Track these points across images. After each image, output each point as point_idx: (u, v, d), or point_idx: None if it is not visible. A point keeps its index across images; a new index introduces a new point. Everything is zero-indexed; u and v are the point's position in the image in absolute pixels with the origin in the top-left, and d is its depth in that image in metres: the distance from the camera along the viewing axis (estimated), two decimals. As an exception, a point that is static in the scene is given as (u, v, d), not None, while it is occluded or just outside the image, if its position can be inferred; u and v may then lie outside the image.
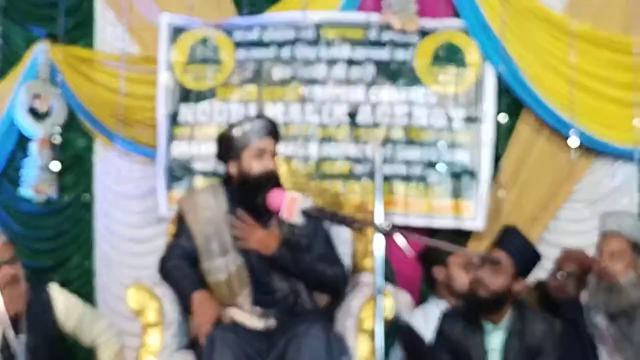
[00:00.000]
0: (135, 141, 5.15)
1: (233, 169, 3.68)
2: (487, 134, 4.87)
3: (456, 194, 4.84)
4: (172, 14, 5.08)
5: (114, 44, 5.25)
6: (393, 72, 4.92)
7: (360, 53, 4.93)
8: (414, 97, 4.90)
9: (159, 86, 5.02)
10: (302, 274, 3.62)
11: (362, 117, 4.91)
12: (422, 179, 4.86)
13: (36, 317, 3.72)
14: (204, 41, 5.04)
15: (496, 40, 4.84)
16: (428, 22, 4.92)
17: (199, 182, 4.93)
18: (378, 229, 2.88)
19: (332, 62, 4.95)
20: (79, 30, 5.30)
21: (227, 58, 5.03)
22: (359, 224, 3.12)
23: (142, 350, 3.61)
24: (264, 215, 3.57)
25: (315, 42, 4.95)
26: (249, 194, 3.59)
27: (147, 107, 5.08)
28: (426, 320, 4.08)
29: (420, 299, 4.65)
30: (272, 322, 3.55)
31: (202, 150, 4.96)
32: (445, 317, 3.73)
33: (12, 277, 3.66)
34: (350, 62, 4.93)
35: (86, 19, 5.30)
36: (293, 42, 4.96)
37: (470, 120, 4.88)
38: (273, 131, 3.72)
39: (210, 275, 3.63)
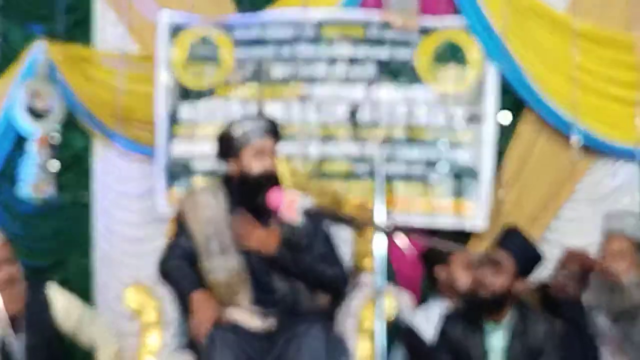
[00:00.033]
0: (134, 140, 5.15)
1: (233, 168, 3.68)
2: (489, 133, 4.86)
3: (457, 193, 4.84)
4: (172, 12, 5.08)
5: (113, 43, 5.25)
6: (394, 71, 4.91)
7: (360, 51, 4.92)
8: (414, 96, 4.89)
9: (158, 85, 5.01)
10: (302, 274, 3.62)
11: (363, 116, 4.91)
12: (422, 178, 4.86)
13: (35, 316, 3.72)
14: (204, 40, 5.03)
15: (498, 39, 4.83)
16: (429, 21, 4.92)
17: (199, 181, 4.92)
18: (378, 229, 2.87)
19: (332, 61, 4.94)
20: (78, 28, 5.30)
21: (227, 57, 5.02)
22: (360, 224, 3.12)
23: (141, 350, 3.63)
24: (264, 214, 3.57)
25: (315, 40, 4.95)
26: (249, 193, 3.59)
27: (147, 106, 5.07)
28: (428, 321, 4.08)
29: (421, 299, 4.64)
30: (271, 322, 3.54)
31: (201, 149, 4.95)
32: (446, 318, 3.74)
33: (10, 277, 3.66)
34: (351, 61, 4.93)
35: (85, 17, 5.30)
36: (293, 41, 4.96)
37: (472, 119, 4.87)
38: (273, 130, 3.71)
39: (210, 274, 3.62)
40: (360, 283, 3.84)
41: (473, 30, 4.88)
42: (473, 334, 3.62)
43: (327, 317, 3.66)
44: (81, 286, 5.14)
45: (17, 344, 3.50)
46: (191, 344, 3.61)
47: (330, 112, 4.92)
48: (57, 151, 5.21)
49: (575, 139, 4.81)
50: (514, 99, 4.93)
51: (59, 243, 5.25)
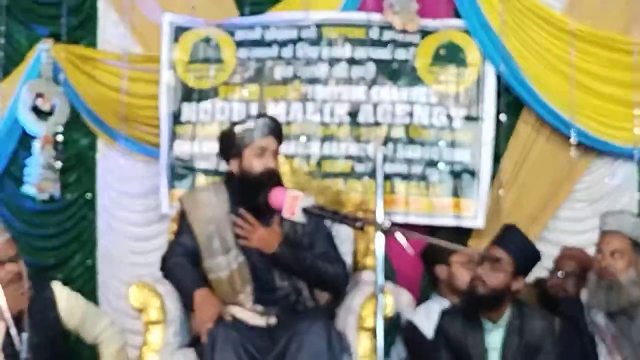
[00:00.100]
0: (137, 140, 5.17)
1: (234, 167, 3.69)
2: (488, 133, 4.88)
3: (456, 193, 4.86)
4: (175, 13, 5.09)
5: (117, 43, 5.26)
6: (394, 72, 4.93)
7: (361, 52, 4.94)
8: (414, 97, 4.91)
9: (161, 85, 5.03)
10: (304, 272, 3.63)
11: (363, 116, 4.93)
12: (422, 177, 4.88)
13: (39, 314, 3.70)
14: (206, 40, 5.05)
15: (497, 39, 4.85)
16: (429, 22, 4.93)
17: (201, 180, 4.94)
18: (379, 228, 2.88)
19: (333, 62, 4.96)
20: (81, 29, 5.31)
21: (229, 57, 5.04)
22: (360, 223, 3.12)
23: (144, 348, 3.60)
24: (265, 213, 3.56)
25: (316, 41, 4.97)
26: (250, 192, 3.59)
27: (150, 106, 5.09)
28: (428, 318, 4.08)
29: (420, 297, 4.66)
30: (273, 320, 3.56)
31: (204, 148, 4.97)
32: (445, 315, 3.73)
33: (14, 275, 3.64)
34: (352, 62, 4.95)
35: (89, 18, 5.31)
36: (295, 42, 4.98)
37: (471, 119, 4.89)
38: (275, 130, 3.71)
39: (212, 273, 3.64)
40: (360, 281, 3.86)
41: (472, 32, 4.90)
42: (472, 332, 3.62)
43: (328, 314, 3.66)
44: (84, 284, 5.17)
45: (21, 343, 3.50)
46: (194, 342, 3.62)
47: (331, 112, 4.94)
48: (61, 151, 5.22)
49: (573, 139, 4.84)
50: (512, 99, 4.95)
51: (62, 241, 5.27)
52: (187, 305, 3.61)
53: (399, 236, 2.95)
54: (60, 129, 5.23)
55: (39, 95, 5.18)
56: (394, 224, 2.92)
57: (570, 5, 4.93)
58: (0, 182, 5.26)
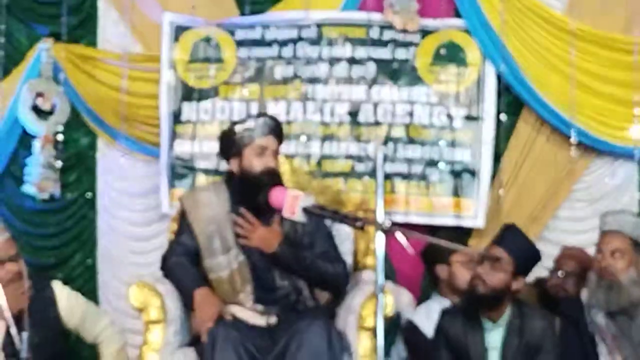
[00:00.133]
0: (137, 139, 5.17)
1: (235, 166, 3.69)
2: (488, 132, 4.89)
3: (457, 192, 4.87)
4: (175, 13, 5.10)
5: (117, 43, 5.27)
6: (394, 71, 4.94)
7: (361, 52, 4.95)
8: (415, 96, 4.92)
9: (161, 84, 5.04)
10: (304, 272, 3.63)
11: (364, 115, 4.93)
12: (423, 177, 4.89)
13: (39, 314, 3.70)
14: (207, 40, 5.06)
15: (497, 39, 4.86)
16: (429, 22, 4.94)
17: (201, 180, 4.95)
18: (379, 227, 2.88)
19: (333, 61, 4.97)
20: (82, 28, 5.32)
21: (230, 57, 5.05)
22: (361, 222, 3.12)
23: (144, 347, 3.61)
24: (266, 213, 3.56)
25: (317, 41, 4.97)
26: (250, 191, 3.59)
27: (150, 105, 5.10)
28: (429, 318, 4.08)
29: (421, 297, 4.66)
30: (273, 320, 3.56)
31: (204, 148, 4.98)
32: (445, 315, 3.73)
33: (15, 274, 3.64)
34: (352, 61, 4.96)
35: (89, 17, 5.32)
36: (295, 41, 4.98)
37: (471, 119, 4.90)
38: (275, 130, 3.71)
39: (212, 272, 3.64)
40: (361, 280, 3.86)
41: (472, 31, 4.90)
42: (472, 331, 3.62)
43: (329, 314, 3.67)
44: (85, 284, 5.18)
45: (21, 342, 3.50)
46: (194, 341, 3.63)
47: (332, 112, 4.95)
48: (61, 150, 5.23)
49: (573, 139, 4.84)
50: (512, 98, 4.96)
51: (62, 241, 5.27)
52: (188, 304, 3.61)
53: (399, 236, 2.95)
54: (61, 128, 5.24)
55: (39, 94, 5.19)
56: (394, 224, 2.91)
57: (570, 5, 4.94)
58: (1, 181, 5.26)
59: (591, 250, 4.03)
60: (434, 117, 4.91)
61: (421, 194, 4.88)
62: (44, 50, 5.21)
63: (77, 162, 5.30)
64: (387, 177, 4.82)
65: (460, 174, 4.87)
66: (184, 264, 3.67)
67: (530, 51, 4.90)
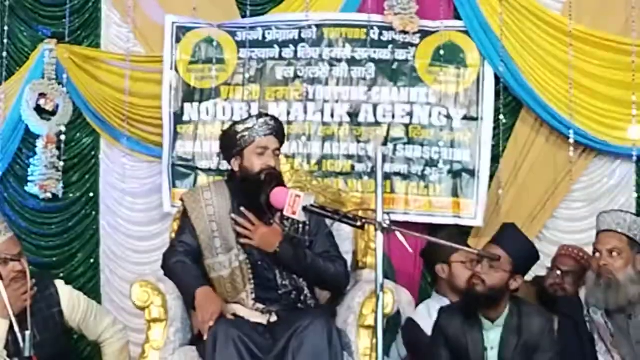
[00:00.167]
0: (140, 139, 5.19)
1: (236, 166, 3.68)
2: (487, 133, 4.90)
3: (456, 192, 4.88)
4: (177, 14, 5.11)
5: (119, 44, 5.29)
6: (394, 72, 4.95)
7: (361, 53, 4.97)
8: (414, 97, 4.93)
9: (163, 85, 5.06)
10: (305, 271, 3.63)
11: (364, 116, 4.95)
12: (422, 177, 4.90)
13: (42, 313, 3.70)
14: (208, 41, 5.08)
15: (496, 40, 4.87)
16: (429, 23, 4.95)
17: (203, 179, 4.95)
18: (379, 227, 2.89)
19: (334, 62, 4.99)
20: (84, 30, 5.34)
21: (231, 57, 5.06)
22: (361, 222, 3.13)
23: (146, 345, 3.59)
24: (266, 212, 3.55)
25: (317, 42, 4.99)
26: (251, 191, 3.58)
27: (152, 106, 5.12)
28: (429, 317, 4.07)
29: (420, 296, 4.67)
30: (274, 319, 3.55)
31: (205, 148, 4.99)
32: (443, 313, 3.73)
33: (18, 273, 3.64)
34: (352, 62, 4.97)
35: (92, 19, 5.35)
36: (295, 42, 5.00)
37: (470, 119, 4.91)
38: (276, 130, 3.70)
39: (214, 271, 3.64)
40: (361, 280, 3.87)
41: (471, 33, 4.92)
42: (470, 330, 3.61)
43: (329, 313, 3.65)
44: (87, 283, 5.20)
45: (24, 341, 3.50)
46: (195, 340, 3.64)
47: (332, 112, 4.96)
48: (64, 150, 5.25)
49: (572, 139, 4.85)
50: (511, 99, 4.97)
51: (65, 240, 5.29)
52: (189, 303, 3.61)
53: (399, 235, 2.96)
54: (63, 128, 5.26)
55: (42, 95, 5.21)
56: (394, 223, 2.93)
57: (568, 6, 4.94)
58: (4, 181, 5.28)
59: (589, 250, 4.04)
60: (433, 117, 4.92)
61: (421, 194, 4.90)
62: (47, 51, 5.23)
63: (80, 162, 5.32)
64: (387, 177, 4.84)
65: (460, 174, 4.88)
66: (185, 264, 3.65)
67: (529, 52, 4.91)
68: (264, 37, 5.02)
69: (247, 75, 5.04)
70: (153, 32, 5.18)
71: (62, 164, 5.23)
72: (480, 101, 4.90)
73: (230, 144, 3.69)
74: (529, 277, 4.07)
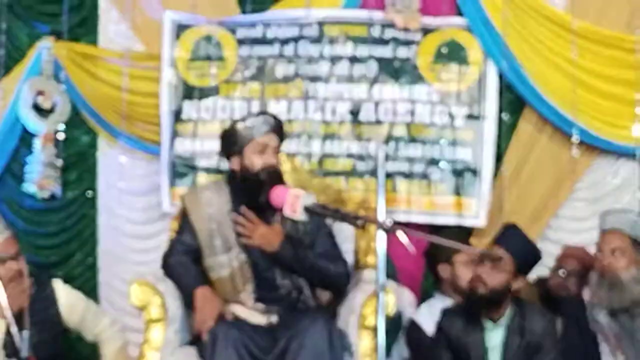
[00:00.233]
0: (138, 138, 5.17)
1: (235, 164, 3.68)
2: (489, 131, 4.89)
3: (458, 191, 4.86)
4: (176, 11, 5.10)
5: (118, 41, 5.28)
6: (396, 70, 4.93)
7: (363, 50, 4.95)
8: (416, 95, 4.92)
9: (162, 83, 5.04)
10: (305, 271, 3.63)
11: (365, 114, 4.93)
12: (424, 176, 4.88)
13: (40, 312, 3.71)
14: (208, 38, 5.06)
15: (499, 38, 4.85)
16: (431, 20, 4.94)
17: (202, 178, 4.95)
18: (380, 226, 2.88)
19: (335, 60, 4.97)
20: (82, 27, 5.32)
21: (230, 55, 5.05)
22: (362, 221, 3.12)
23: (144, 346, 3.61)
24: (267, 211, 3.58)
25: (318, 39, 4.97)
26: (251, 190, 3.59)
27: (151, 104, 5.10)
28: (432, 317, 4.08)
29: (422, 296, 4.66)
30: (274, 319, 3.56)
31: (205, 147, 4.98)
32: (445, 314, 3.73)
33: (16, 273, 3.65)
34: (353, 60, 4.96)
35: (90, 15, 5.33)
36: (296, 40, 4.98)
37: (473, 117, 4.89)
38: (276, 128, 3.71)
39: (213, 271, 3.64)
40: (362, 279, 3.86)
41: (474, 30, 4.90)
42: (472, 331, 3.61)
43: (330, 313, 3.67)
44: (85, 282, 5.18)
45: (22, 340, 3.50)
46: (194, 340, 3.63)
47: (333, 111, 4.95)
48: (62, 148, 5.23)
49: (575, 138, 4.84)
50: (514, 97, 4.96)
51: (63, 239, 5.27)
52: (188, 303, 3.61)
53: (401, 235, 2.95)
54: (61, 126, 5.25)
55: (40, 92, 5.19)
56: (395, 223, 2.91)
57: (572, 3, 4.92)
58: (1, 179, 5.27)
59: (593, 249, 4.03)
60: (435, 115, 4.90)
61: (422, 193, 4.88)
62: (45, 48, 5.21)
63: (78, 160, 5.30)
64: (389, 176, 4.82)
65: (462, 173, 4.87)
66: (184, 263, 3.67)
67: (532, 50, 4.89)
68: (264, 34, 5.01)
69: (247, 73, 5.02)
70: (152, 29, 5.16)
71: (60, 162, 5.20)
72: (483, 99, 4.88)
73: (230, 142, 3.69)
74: (532, 277, 4.05)
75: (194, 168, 5.00)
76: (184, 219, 3.78)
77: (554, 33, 4.90)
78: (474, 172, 4.86)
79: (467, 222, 4.84)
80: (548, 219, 4.93)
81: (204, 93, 5.04)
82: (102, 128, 5.24)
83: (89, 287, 5.10)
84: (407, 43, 4.93)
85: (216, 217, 3.67)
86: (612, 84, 4.86)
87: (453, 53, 4.92)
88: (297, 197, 3.22)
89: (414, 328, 4.16)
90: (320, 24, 4.97)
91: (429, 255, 4.40)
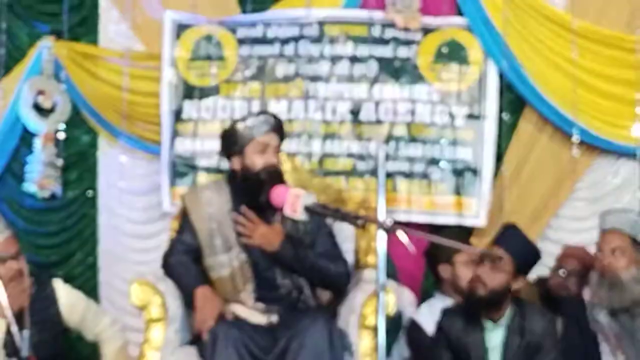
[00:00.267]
0: (139, 137, 5.17)
1: (236, 164, 3.68)
2: (490, 131, 4.88)
3: (458, 191, 4.86)
4: (176, 11, 5.10)
5: (118, 41, 5.28)
6: (396, 70, 4.93)
7: (363, 50, 4.95)
8: (416, 95, 4.91)
9: (162, 83, 5.04)
10: (305, 271, 3.63)
11: (365, 114, 4.93)
12: (424, 176, 4.88)
13: (40, 312, 3.71)
14: (208, 38, 5.06)
15: (499, 37, 4.85)
16: (431, 20, 4.93)
17: (202, 178, 4.95)
18: (381, 226, 2.88)
19: (335, 59, 4.96)
20: (83, 26, 5.32)
21: (231, 55, 5.05)
22: (362, 221, 3.12)
23: (145, 345, 3.61)
24: (267, 211, 3.58)
25: (318, 39, 4.97)
26: (252, 190, 3.59)
27: (151, 103, 5.10)
28: (432, 317, 4.08)
29: (422, 296, 4.66)
30: (275, 318, 3.56)
31: (205, 146, 4.97)
32: (445, 314, 3.73)
33: (16, 272, 3.65)
34: (354, 59, 4.95)
35: (90, 15, 5.32)
36: (296, 39, 4.98)
37: (473, 117, 4.89)
38: (277, 128, 3.71)
39: (214, 271, 3.64)
40: (362, 279, 3.86)
41: (474, 30, 4.90)
42: (472, 331, 3.61)
43: (330, 313, 3.67)
44: (86, 282, 5.18)
45: (22, 340, 3.50)
46: (195, 340, 3.63)
47: (333, 110, 4.94)
48: (62, 148, 5.23)
49: (575, 137, 4.83)
50: (514, 97, 4.95)
51: (63, 239, 5.27)
52: (189, 303, 3.61)
53: (401, 234, 2.95)
54: (62, 126, 5.24)
55: (41, 92, 5.19)
56: (395, 222, 2.91)
57: (572, 3, 4.92)
58: (2, 179, 5.26)
59: (593, 249, 4.03)
60: (435, 115, 4.90)
61: (423, 193, 4.88)
62: (45, 48, 5.21)
63: (78, 160, 5.30)
64: (389, 175, 4.82)
65: (462, 172, 4.87)
66: (185, 263, 3.67)
67: (533, 49, 4.89)
68: (264, 34, 5.00)
69: (247, 73, 5.02)
70: (152, 28, 5.15)
71: (60, 162, 5.20)
72: (483, 99, 4.88)
73: (231, 142, 3.69)
74: (532, 277, 4.05)
75: (194, 168, 5.00)
76: (184, 219, 3.78)
77: (554, 33, 4.90)
78: (474, 171, 4.86)
79: (468, 222, 4.84)
80: (548, 219, 4.93)
81: (204, 93, 5.04)
82: (102, 128, 5.24)
83: (89, 287, 5.10)
84: (408, 43, 4.93)
85: (216, 217, 3.67)
86: (612, 83, 4.86)
87: (453, 53, 4.91)
88: (298, 197, 3.22)
89: (414, 328, 4.16)
90: (321, 23, 4.97)
91: (429, 255, 4.39)
